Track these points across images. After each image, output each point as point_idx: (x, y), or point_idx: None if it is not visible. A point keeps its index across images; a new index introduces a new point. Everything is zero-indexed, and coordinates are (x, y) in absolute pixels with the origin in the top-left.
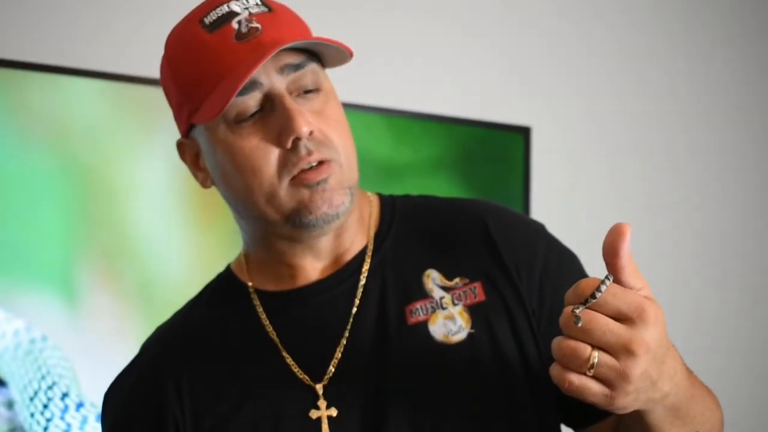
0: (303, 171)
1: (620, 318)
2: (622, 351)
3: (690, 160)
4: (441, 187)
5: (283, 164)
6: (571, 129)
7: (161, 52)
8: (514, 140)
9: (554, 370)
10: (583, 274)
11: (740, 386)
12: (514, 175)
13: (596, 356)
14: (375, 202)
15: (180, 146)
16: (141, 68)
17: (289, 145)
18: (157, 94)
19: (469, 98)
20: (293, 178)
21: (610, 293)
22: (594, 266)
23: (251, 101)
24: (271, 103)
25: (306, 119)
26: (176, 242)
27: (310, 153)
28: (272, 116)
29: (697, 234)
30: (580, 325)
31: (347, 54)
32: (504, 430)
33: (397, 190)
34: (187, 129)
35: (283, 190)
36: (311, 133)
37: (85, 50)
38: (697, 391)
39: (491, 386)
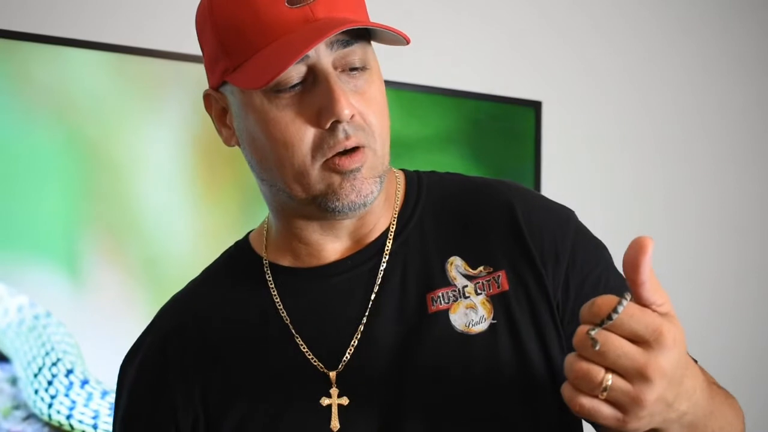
0: (337, 155)
1: (636, 340)
2: (636, 376)
3: (701, 132)
4: (450, 162)
5: (318, 145)
6: (582, 103)
7: (168, 24)
8: (525, 115)
9: (566, 390)
10: (610, 267)
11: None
12: (525, 149)
13: (609, 379)
14: (401, 179)
15: (206, 98)
16: (147, 40)
17: (327, 126)
18: (164, 67)
19: (480, 72)
20: (326, 161)
21: (627, 314)
22: (604, 241)
23: (294, 72)
24: (314, 77)
25: (349, 102)
26: (182, 217)
27: (347, 137)
28: (314, 92)
29: (708, 207)
30: (597, 348)
31: (402, 39)
32: (522, 424)
33: (406, 165)
34: (218, 83)
35: (315, 171)
36: (352, 116)
37: (90, 22)
38: (717, 406)
39: (511, 379)
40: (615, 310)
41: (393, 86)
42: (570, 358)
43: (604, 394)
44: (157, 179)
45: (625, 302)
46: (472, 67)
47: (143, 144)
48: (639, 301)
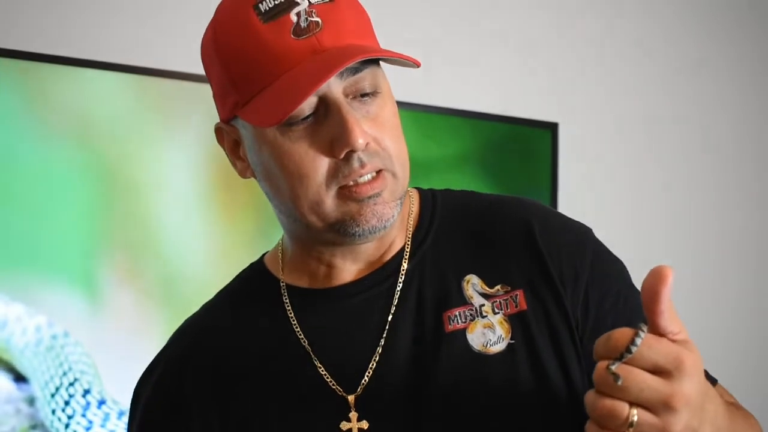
0: (355, 184)
1: (657, 371)
2: (662, 407)
3: (719, 151)
4: (467, 183)
5: (333, 174)
6: (598, 125)
7: (186, 47)
8: (541, 136)
9: (590, 430)
10: (629, 284)
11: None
12: (541, 171)
13: (635, 414)
14: (415, 197)
15: (218, 131)
16: (164, 62)
17: (342, 156)
18: (181, 88)
19: (496, 94)
20: (341, 189)
21: (645, 345)
22: (623, 261)
23: (306, 104)
24: (326, 107)
25: (362, 130)
26: (199, 238)
27: (363, 165)
28: (326, 122)
29: (727, 227)
30: (620, 383)
31: (412, 63)
32: None
33: (423, 185)
34: (229, 117)
35: (330, 200)
36: (367, 144)
37: (107, 43)
38: (738, 426)
39: (530, 399)
40: (633, 343)
41: (409, 108)
42: (591, 396)
43: (631, 429)
44: (175, 200)
45: (642, 333)
46: (488, 88)
47: (161, 165)
48: (656, 330)
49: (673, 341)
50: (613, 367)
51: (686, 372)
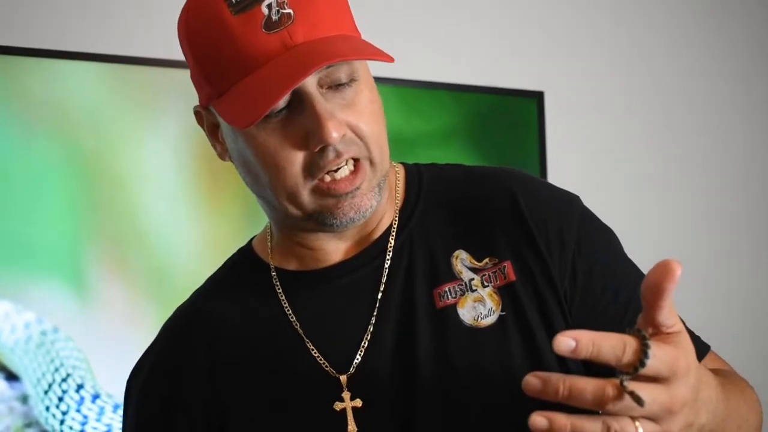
0: (333, 180)
1: (656, 377)
2: (664, 414)
3: (708, 116)
4: (454, 157)
5: (308, 167)
6: (584, 92)
7: (163, 33)
8: (527, 105)
9: None
10: (618, 252)
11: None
12: (529, 140)
13: (640, 428)
14: (401, 173)
15: (197, 114)
16: (143, 50)
17: (316, 149)
18: (159, 75)
19: (480, 65)
20: (319, 182)
21: (650, 354)
22: (612, 228)
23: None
24: (299, 100)
25: (336, 123)
26: (185, 227)
27: (339, 155)
28: (301, 115)
29: (714, 196)
30: (645, 406)
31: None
32: None
33: (409, 161)
34: (206, 104)
35: (306, 192)
36: (342, 135)
37: (84, 33)
38: (732, 404)
39: (522, 369)
40: (646, 355)
41: (393, 83)
42: (600, 420)
43: None
44: (159, 189)
45: (649, 344)
46: (471, 60)
47: (143, 154)
48: (651, 323)
49: (668, 334)
50: (626, 384)
51: (681, 374)
